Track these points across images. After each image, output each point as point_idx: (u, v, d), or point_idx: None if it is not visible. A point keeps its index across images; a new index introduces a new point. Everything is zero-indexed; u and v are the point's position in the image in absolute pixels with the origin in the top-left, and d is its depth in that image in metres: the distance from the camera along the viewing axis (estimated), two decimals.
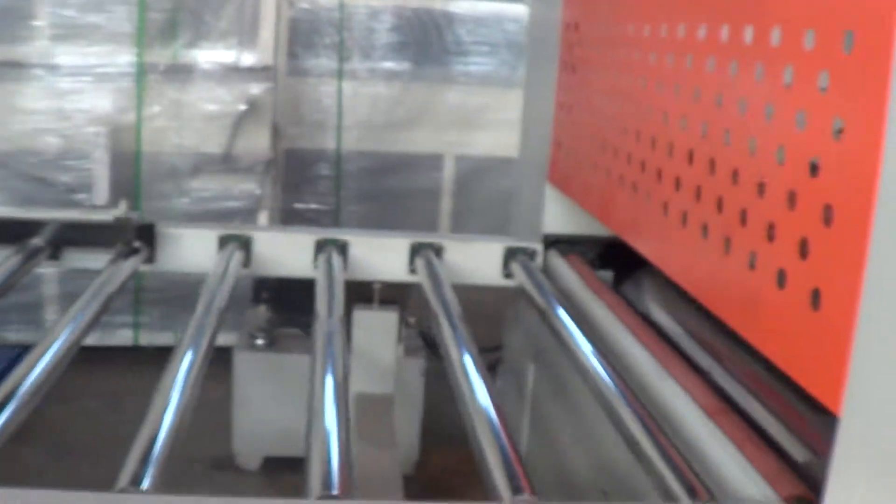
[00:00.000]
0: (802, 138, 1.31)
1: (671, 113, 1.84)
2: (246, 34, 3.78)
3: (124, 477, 1.26)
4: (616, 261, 2.64)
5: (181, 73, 3.79)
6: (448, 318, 2.04)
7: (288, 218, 4.62)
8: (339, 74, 4.82)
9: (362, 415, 2.56)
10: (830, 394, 1.20)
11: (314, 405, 1.53)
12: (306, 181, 4.87)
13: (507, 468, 1.36)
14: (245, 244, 2.47)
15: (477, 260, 2.55)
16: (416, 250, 2.52)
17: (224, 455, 3.25)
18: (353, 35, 4.83)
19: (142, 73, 3.76)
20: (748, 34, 1.51)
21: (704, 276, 1.68)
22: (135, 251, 2.38)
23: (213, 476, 3.19)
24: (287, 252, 2.51)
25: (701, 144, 1.69)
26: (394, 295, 2.78)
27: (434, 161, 5.11)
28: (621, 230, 2.16)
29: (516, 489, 1.31)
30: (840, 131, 1.22)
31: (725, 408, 1.69)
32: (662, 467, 1.46)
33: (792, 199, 1.33)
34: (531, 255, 2.58)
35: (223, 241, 2.47)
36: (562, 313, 2.16)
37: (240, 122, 3.80)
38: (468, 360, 1.79)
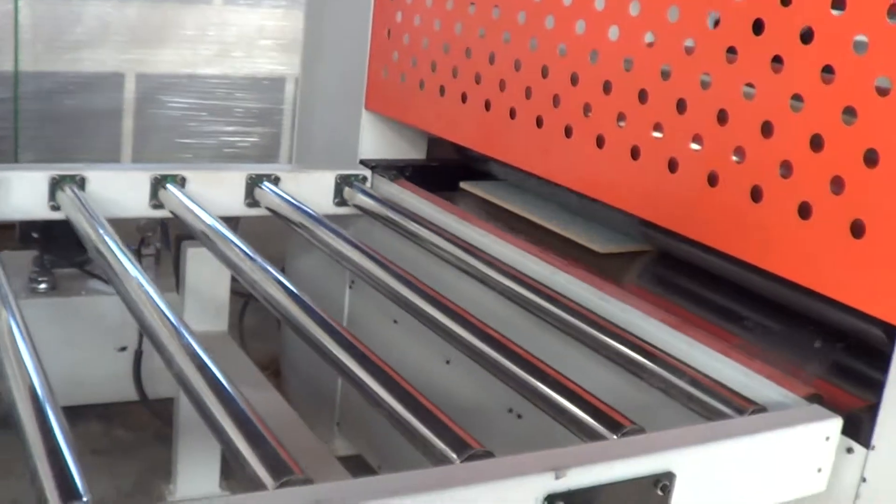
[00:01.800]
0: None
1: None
2: None
3: None
4: (425, 182, 2.73)
5: None
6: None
7: None
8: None
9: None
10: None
11: None
12: None
13: None
14: (80, 184, 2.31)
15: (312, 188, 2.55)
16: (253, 182, 2.48)
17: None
18: None
19: None
20: None
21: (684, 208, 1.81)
22: None
23: None
24: (124, 191, 2.37)
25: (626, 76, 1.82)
26: None
27: (115, 80, 4.90)
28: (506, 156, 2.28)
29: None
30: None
31: (683, 321, 1.80)
32: (685, 385, 1.56)
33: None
34: (362, 180, 2.61)
35: (55, 183, 2.30)
36: (426, 231, 2.26)
37: None
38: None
